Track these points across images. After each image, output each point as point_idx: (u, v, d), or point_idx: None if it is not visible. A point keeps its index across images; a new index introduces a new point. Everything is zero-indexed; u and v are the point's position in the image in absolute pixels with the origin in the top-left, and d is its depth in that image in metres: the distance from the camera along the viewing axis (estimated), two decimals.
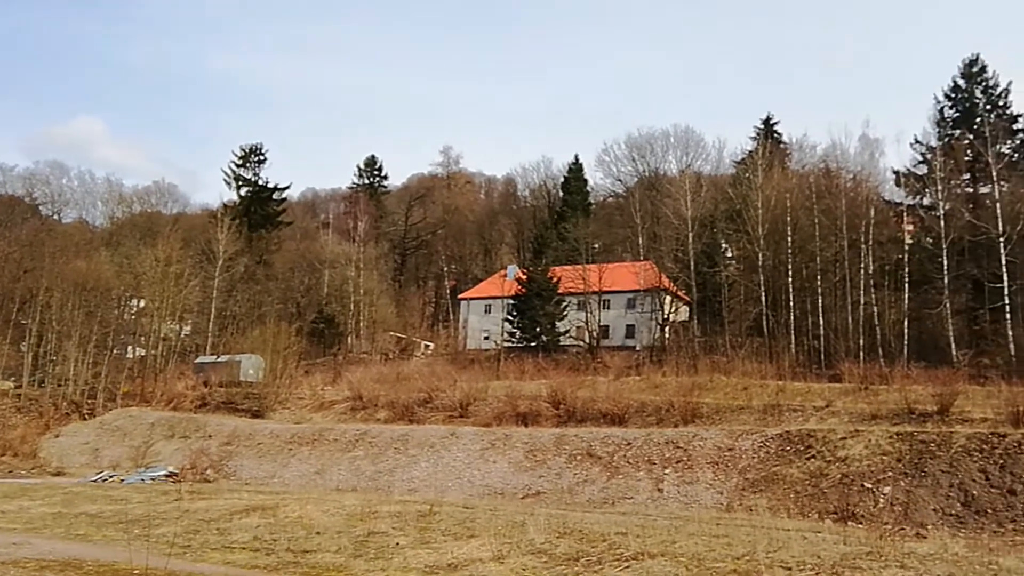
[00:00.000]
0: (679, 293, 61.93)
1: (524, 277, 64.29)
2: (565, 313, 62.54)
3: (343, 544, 12.19)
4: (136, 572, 10.17)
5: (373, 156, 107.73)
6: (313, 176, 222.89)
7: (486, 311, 71.42)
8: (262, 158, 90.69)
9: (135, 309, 67.35)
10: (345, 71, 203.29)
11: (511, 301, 63.74)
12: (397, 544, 11.87)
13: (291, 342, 56.39)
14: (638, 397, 40.83)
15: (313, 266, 79.81)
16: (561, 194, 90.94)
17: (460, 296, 78.90)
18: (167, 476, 37.58)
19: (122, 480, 36.34)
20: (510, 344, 62.14)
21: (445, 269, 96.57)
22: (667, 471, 31.38)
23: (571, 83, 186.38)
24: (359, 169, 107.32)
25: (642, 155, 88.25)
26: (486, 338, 67.38)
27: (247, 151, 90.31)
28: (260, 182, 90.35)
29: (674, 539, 11.91)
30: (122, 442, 47.02)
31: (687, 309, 61.70)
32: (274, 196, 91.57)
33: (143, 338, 64.96)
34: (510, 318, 63.11)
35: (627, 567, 9.61)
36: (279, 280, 77.19)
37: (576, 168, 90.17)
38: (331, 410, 48.97)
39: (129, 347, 65.33)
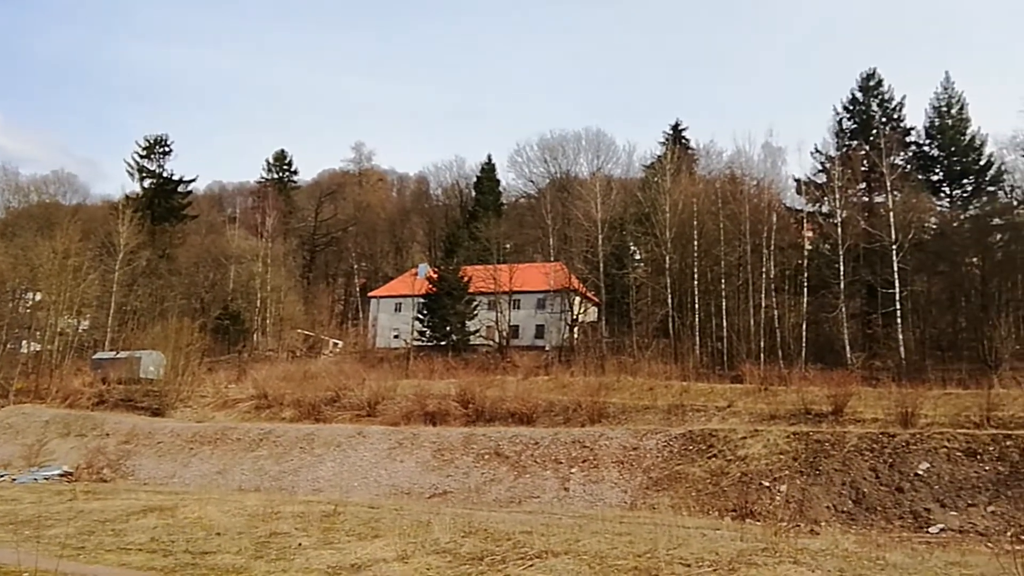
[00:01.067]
0: (588, 294, 62.68)
1: (435, 276, 64.08)
2: (475, 312, 62.58)
3: (244, 545, 11.94)
4: (25, 575, 9.77)
5: (283, 151, 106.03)
6: (220, 169, 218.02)
7: (396, 309, 70.95)
8: (167, 149, 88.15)
9: (31, 303, 64.63)
10: (255, 63, 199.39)
11: (422, 300, 63.48)
12: (299, 545, 11.70)
13: (194, 339, 54.86)
14: (546, 397, 41.15)
15: (219, 261, 77.86)
16: (473, 194, 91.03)
17: (370, 294, 78.13)
18: (61, 476, 36.23)
19: (13, 480, 34.82)
20: (420, 343, 61.87)
21: (355, 267, 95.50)
22: (573, 470, 31.74)
23: (484, 83, 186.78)
24: (268, 163, 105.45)
25: (554, 157, 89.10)
26: (396, 337, 66.94)
27: (152, 142, 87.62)
28: (165, 174, 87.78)
29: (578, 537, 12.03)
30: (14, 440, 45.02)
31: (596, 310, 62.45)
32: (179, 189, 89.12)
33: (38, 333, 62.33)
34: (420, 317, 62.85)
35: (531, 565, 9.67)
36: (183, 275, 75.05)
37: (489, 168, 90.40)
38: (235, 409, 47.91)
39: (23, 342, 62.60)
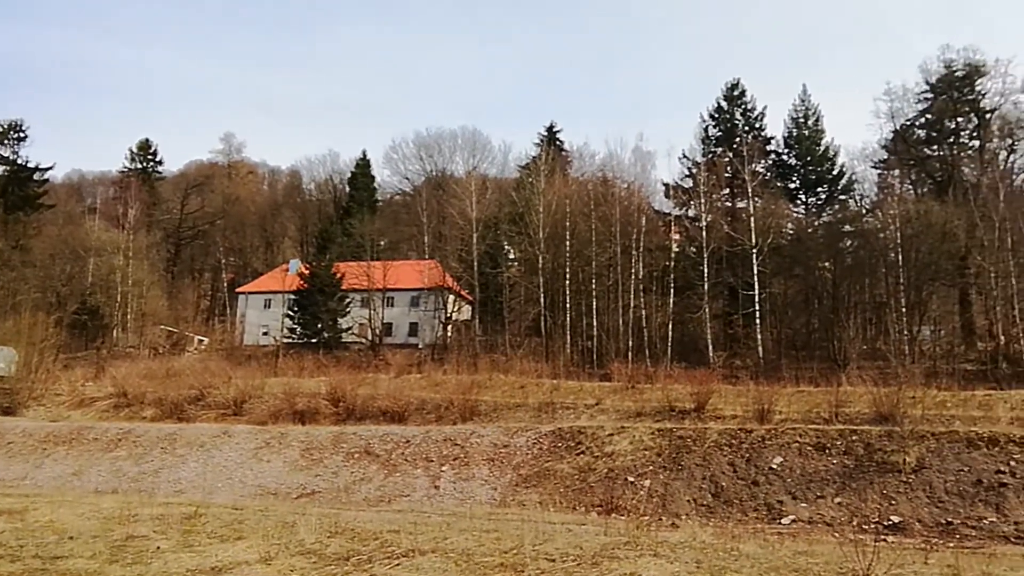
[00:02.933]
0: (462, 292, 62.87)
1: (307, 272, 62.93)
2: (348, 310, 61.84)
3: (98, 549, 11.44)
4: None
5: (147, 139, 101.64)
6: (81, 158, 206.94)
7: (266, 306, 69.27)
8: (22, 135, 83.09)
9: None
10: (120, 47, 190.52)
11: (292, 296, 62.22)
12: (157, 548, 11.30)
13: (49, 334, 52.04)
14: (419, 395, 41.05)
15: (77, 253, 73.95)
16: (348, 189, 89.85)
17: (238, 290, 76.05)
18: None
19: None
20: (290, 340, 60.65)
21: (223, 261, 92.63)
22: (444, 468, 31.79)
23: (360, 78, 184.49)
24: (132, 152, 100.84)
25: (430, 154, 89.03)
26: (265, 334, 65.40)
27: (5, 127, 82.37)
28: (20, 161, 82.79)
29: (446, 535, 12.07)
30: None
31: (470, 308, 62.73)
32: (35, 177, 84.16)
33: None
34: (291, 314, 61.61)
35: (398, 564, 9.66)
36: (38, 267, 70.95)
37: (363, 164, 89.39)
38: (92, 407, 45.73)
39: None
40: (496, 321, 58.53)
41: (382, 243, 72.52)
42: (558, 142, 77.72)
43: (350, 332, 61.30)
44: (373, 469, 32.87)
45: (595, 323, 52.44)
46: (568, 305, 53.17)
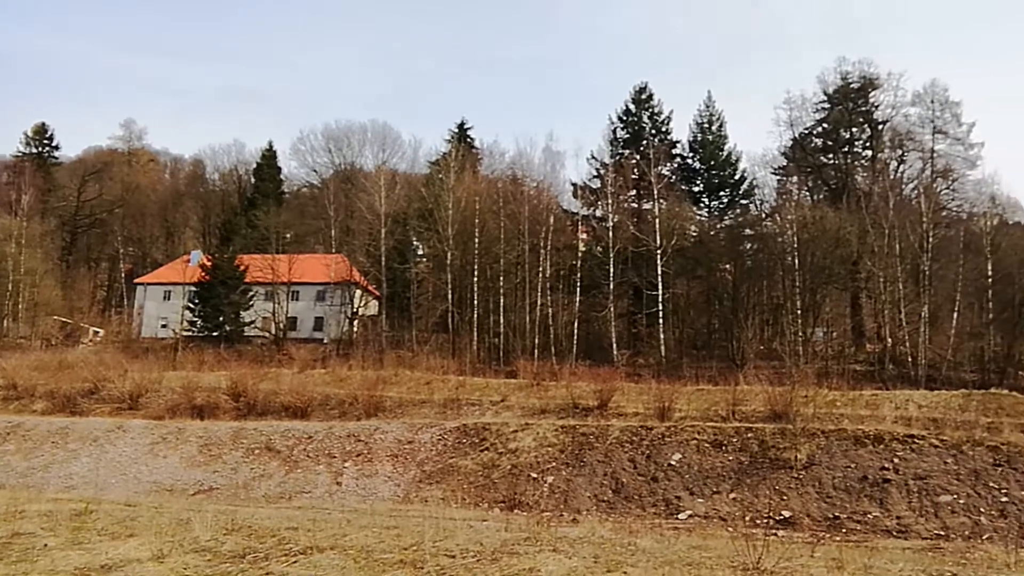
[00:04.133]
0: (370, 287, 62.35)
1: (209, 264, 61.38)
2: (251, 303, 60.62)
3: None
4: None
5: (43, 123, 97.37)
6: None
7: (165, 297, 67.31)
8: None
9: None
10: (14, 29, 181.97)
11: (193, 288, 60.61)
12: (45, 546, 10.91)
13: None
14: (323, 390, 40.61)
15: None
16: (253, 180, 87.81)
17: (137, 280, 73.62)
18: None
19: None
20: (190, 333, 59.10)
21: (121, 251, 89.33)
22: (347, 464, 31.56)
23: (267, 66, 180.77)
24: (26, 137, 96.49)
25: (339, 147, 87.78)
26: (164, 326, 63.55)
27: None
28: None
29: (345, 532, 11.99)
30: None
31: (376, 304, 62.26)
32: None
33: None
34: (191, 306, 60.03)
35: (295, 562, 9.56)
36: None
37: (270, 155, 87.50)
38: None
39: None
40: (403, 317, 58.24)
41: (288, 236, 71.19)
42: (469, 139, 77.65)
43: (253, 326, 60.07)
44: (274, 465, 32.39)
45: (502, 320, 52.73)
46: (476, 302, 53.31)
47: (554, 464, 29.49)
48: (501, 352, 50.92)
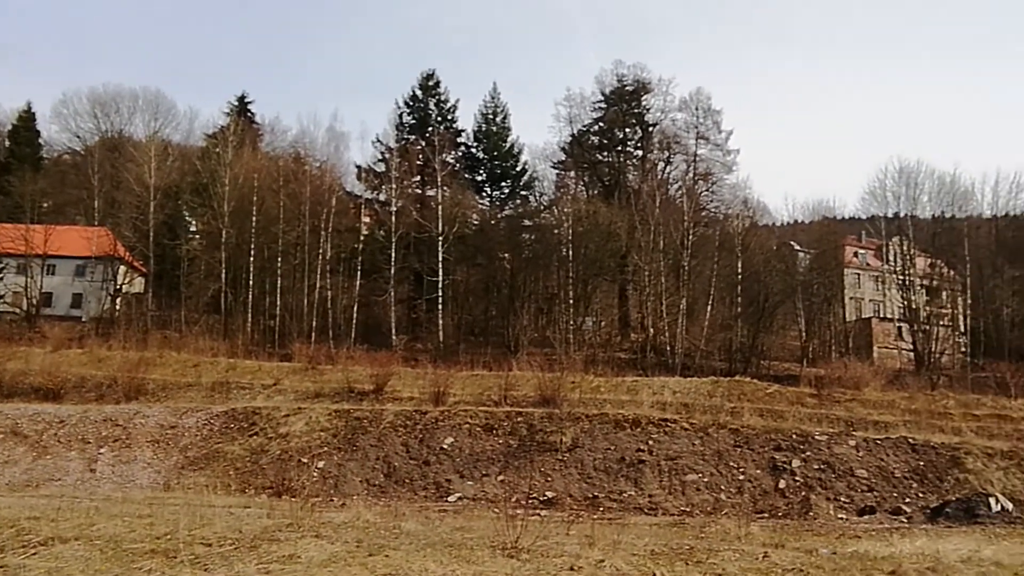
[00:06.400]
0: (136, 263, 58.74)
1: None
2: (1, 276, 55.54)
3: None
4: None
5: None
6: None
7: None
8: None
9: None
10: None
11: None
12: None
13: None
14: (79, 371, 38.02)
15: None
16: (7, 143, 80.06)
17: None
18: None
19: None
20: None
21: None
22: (103, 450, 29.80)
23: (21, 21, 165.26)
24: None
25: (106, 113, 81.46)
26: None
27: None
28: None
29: (94, 521, 11.43)
30: None
31: (143, 281, 58.83)
32: None
33: None
34: None
35: (34, 554, 9.03)
36: None
37: (28, 116, 79.99)
38: None
39: None
40: (172, 296, 55.35)
41: (45, 205, 65.49)
42: (249, 113, 74.59)
43: (2, 301, 55.06)
44: (20, 451, 30.08)
45: (279, 302, 51.42)
46: (251, 283, 51.58)
47: (326, 449, 29.29)
48: (276, 335, 49.64)
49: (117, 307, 56.14)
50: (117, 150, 67.48)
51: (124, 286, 57.45)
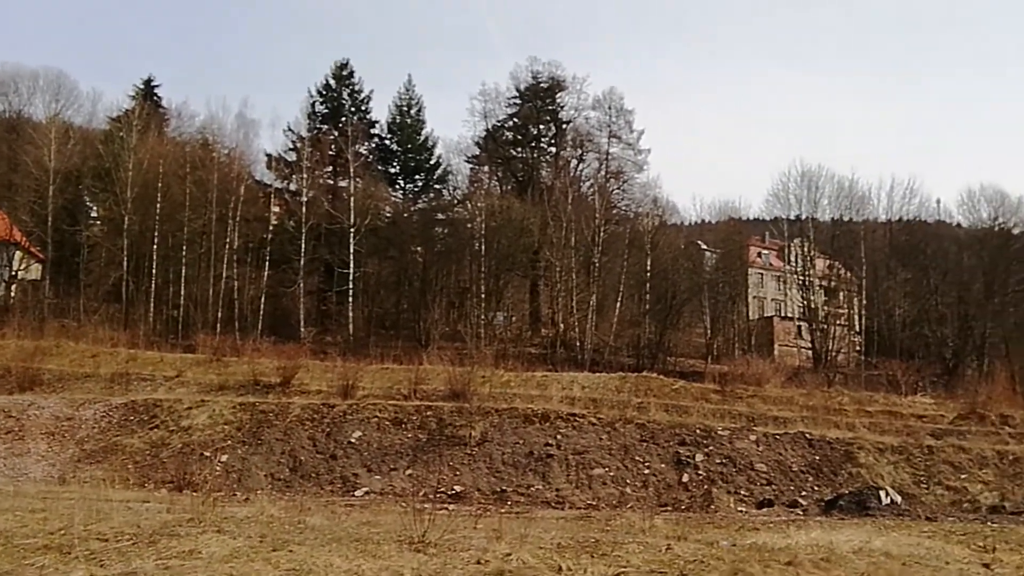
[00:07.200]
0: (33, 249, 56.37)
1: None
2: None
3: None
4: None
5: None
6: None
7: None
8: None
9: None
10: None
11: None
12: None
13: None
14: None
15: None
16: None
17: None
18: None
19: None
20: None
21: None
22: None
23: None
24: None
25: (4, 93, 77.93)
26: None
27: None
28: None
29: None
30: None
31: (40, 267, 56.52)
32: None
33: None
34: None
35: None
36: None
37: None
38: None
39: None
40: (71, 284, 53.27)
41: None
42: (156, 97, 72.18)
43: None
44: None
45: (183, 292, 50.00)
46: (154, 271, 50.07)
47: (229, 443, 28.71)
48: (180, 325, 48.31)
49: (12, 294, 53.80)
50: (15, 131, 64.60)
51: (20, 272, 55.03)
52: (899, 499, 26.08)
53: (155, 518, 11.61)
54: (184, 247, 50.70)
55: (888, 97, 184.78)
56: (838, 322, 57.60)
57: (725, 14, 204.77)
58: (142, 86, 72.04)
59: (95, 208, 58.54)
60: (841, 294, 61.39)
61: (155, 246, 50.19)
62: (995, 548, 12.62)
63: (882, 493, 25.96)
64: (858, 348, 58.51)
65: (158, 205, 50.70)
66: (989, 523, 21.13)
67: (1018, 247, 57.71)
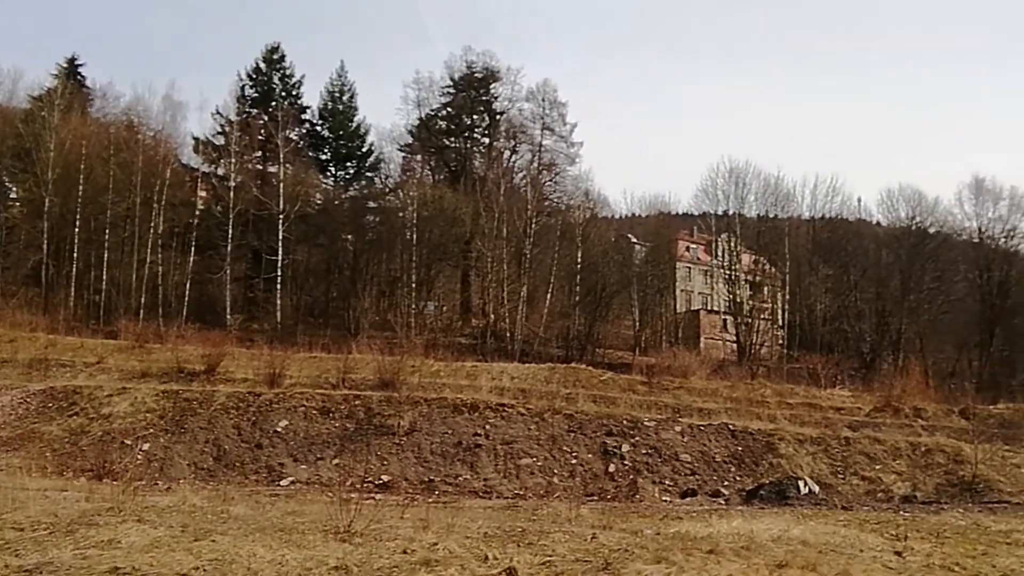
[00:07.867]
0: None
1: None
2: None
3: None
4: None
5: None
6: None
7: None
8: None
9: None
10: None
11: None
12: None
13: None
14: None
15: None
16: None
17: None
18: None
19: None
20: None
21: None
22: None
23: None
24: None
25: None
26: None
27: None
28: None
29: None
30: None
31: None
32: None
33: None
34: None
35: None
36: None
37: None
38: None
39: None
40: None
41: None
42: (80, 77, 70.03)
43: None
44: None
45: (105, 276, 48.74)
46: (76, 255, 48.72)
47: (152, 431, 28.16)
48: (102, 311, 47.13)
49: None
50: None
51: None
52: (817, 489, 26.84)
53: (73, 507, 11.40)
54: (107, 230, 49.44)
55: (813, 97, 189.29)
56: (762, 316, 58.97)
57: (656, 11, 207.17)
58: (65, 65, 69.66)
59: (14, 189, 56.62)
60: (766, 289, 62.82)
61: (77, 229, 48.81)
62: (907, 536, 13.17)
63: (801, 483, 26.67)
64: (781, 342, 59.99)
65: (80, 187, 49.32)
66: (902, 512, 21.86)
67: (933, 246, 59.73)
